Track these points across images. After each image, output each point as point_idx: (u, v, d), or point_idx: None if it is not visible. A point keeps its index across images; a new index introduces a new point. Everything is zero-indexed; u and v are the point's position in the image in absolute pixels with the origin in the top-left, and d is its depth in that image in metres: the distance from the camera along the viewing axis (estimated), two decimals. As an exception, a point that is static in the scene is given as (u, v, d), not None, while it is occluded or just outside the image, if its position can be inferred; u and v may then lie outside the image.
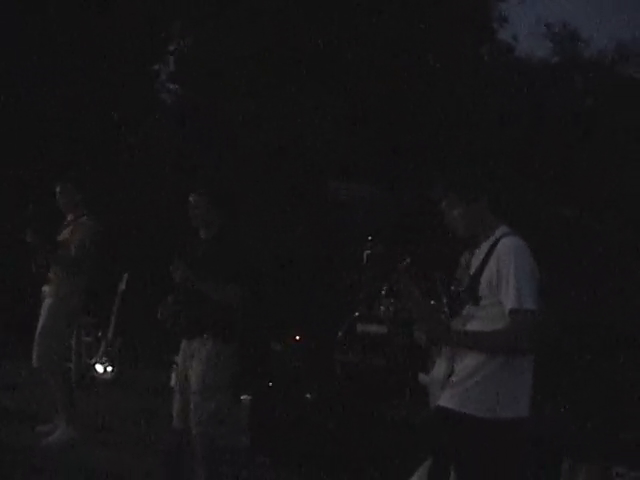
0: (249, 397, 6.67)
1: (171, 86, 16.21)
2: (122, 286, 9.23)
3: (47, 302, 6.95)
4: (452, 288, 4.16)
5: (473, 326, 3.79)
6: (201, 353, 5.35)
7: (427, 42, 15.13)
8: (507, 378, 3.70)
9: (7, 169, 11.49)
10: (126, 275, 9.28)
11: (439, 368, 3.90)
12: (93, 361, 9.16)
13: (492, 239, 3.84)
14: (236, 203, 5.64)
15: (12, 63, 11.87)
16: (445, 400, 3.78)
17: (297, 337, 7.38)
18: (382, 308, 7.10)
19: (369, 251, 7.67)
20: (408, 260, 4.05)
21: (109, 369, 9.15)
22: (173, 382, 8.71)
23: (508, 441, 3.70)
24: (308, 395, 6.53)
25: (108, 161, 12.91)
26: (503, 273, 3.68)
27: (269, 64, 13.77)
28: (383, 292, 7.12)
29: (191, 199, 5.45)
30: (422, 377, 3.96)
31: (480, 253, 3.90)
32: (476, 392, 3.68)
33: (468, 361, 3.74)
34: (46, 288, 6.99)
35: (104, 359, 9.16)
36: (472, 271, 3.90)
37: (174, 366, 8.77)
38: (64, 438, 6.75)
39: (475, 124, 14.65)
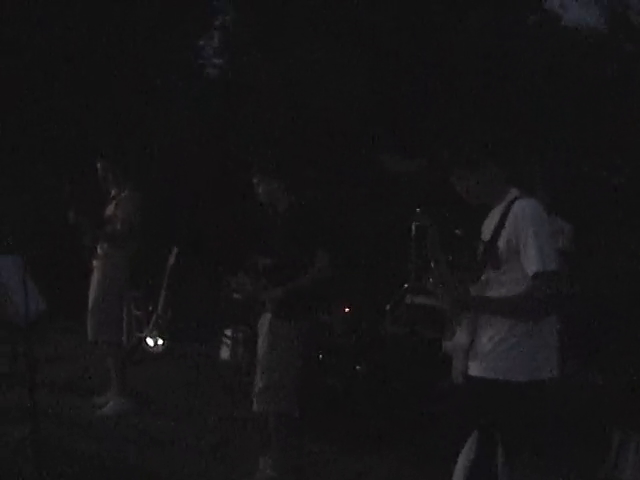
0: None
1: (216, 61, 16.21)
2: (172, 260, 9.29)
3: (95, 277, 7.07)
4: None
5: (494, 291, 3.80)
6: (264, 328, 5.41)
7: (471, 8, 14.93)
8: (536, 340, 3.72)
9: (45, 145, 11.57)
10: (176, 249, 9.33)
11: (461, 336, 3.89)
12: (144, 335, 9.25)
13: (504, 203, 3.84)
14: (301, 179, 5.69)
15: (51, 34, 11.91)
16: (478, 370, 3.80)
17: (346, 309, 7.38)
18: (431, 280, 7.06)
19: (417, 223, 7.69)
20: (435, 227, 4.04)
21: (159, 342, 9.23)
22: (223, 355, 8.85)
23: (542, 401, 3.75)
24: (358, 367, 6.53)
25: (154, 136, 12.95)
26: (522, 236, 3.67)
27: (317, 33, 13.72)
28: (432, 264, 7.08)
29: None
30: (446, 345, 3.95)
31: (493, 217, 3.90)
32: (509, 358, 3.71)
33: (495, 330, 3.76)
34: (95, 263, 7.09)
35: (154, 332, 9.24)
36: (486, 236, 3.90)
37: (224, 339, 8.88)
38: (117, 410, 6.86)
39: (521, 94, 14.48)
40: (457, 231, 6.87)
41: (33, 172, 11.00)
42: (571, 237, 7.81)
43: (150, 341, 9.23)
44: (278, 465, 5.42)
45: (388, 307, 7.57)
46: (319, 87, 13.42)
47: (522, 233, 3.68)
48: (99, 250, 7.04)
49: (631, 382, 6.02)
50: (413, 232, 7.64)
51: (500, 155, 3.92)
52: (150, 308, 9.41)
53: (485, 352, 3.77)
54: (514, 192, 3.89)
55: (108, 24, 12.28)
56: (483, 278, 3.85)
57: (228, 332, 8.84)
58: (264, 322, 5.43)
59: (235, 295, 8.22)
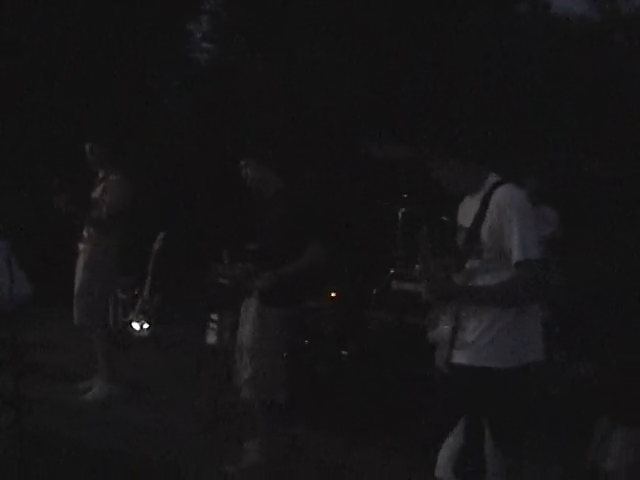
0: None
1: (205, 45, 16.12)
2: (158, 244, 9.26)
3: (82, 261, 7.03)
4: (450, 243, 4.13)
5: (478, 280, 3.77)
6: (249, 314, 5.38)
7: (471, 7, 14.91)
8: (520, 329, 3.72)
9: (32, 131, 11.50)
10: (162, 234, 9.30)
11: (444, 326, 3.87)
12: (129, 319, 9.23)
13: (484, 189, 3.78)
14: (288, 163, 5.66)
15: (39, 21, 11.83)
16: (462, 358, 3.79)
17: (332, 294, 7.38)
18: (417, 266, 7.07)
19: (404, 209, 7.70)
20: (425, 228, 3.99)
21: (145, 327, 9.21)
22: (209, 340, 8.82)
23: (527, 387, 3.78)
24: (344, 352, 6.54)
25: (143, 122, 12.90)
26: (505, 224, 3.63)
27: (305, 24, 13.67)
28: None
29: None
30: (430, 335, 3.95)
31: (473, 204, 3.83)
32: (493, 347, 3.71)
33: (479, 320, 3.74)
34: (81, 247, 7.05)
35: (140, 317, 9.21)
36: (467, 224, 3.85)
37: (210, 324, 8.86)
38: (102, 395, 6.85)
39: (509, 83, 14.48)
40: (444, 217, 6.87)
41: (31, 168, 10.93)
42: (557, 225, 7.79)
43: (136, 325, 9.21)
44: (264, 451, 5.43)
45: (374, 293, 7.57)
46: (316, 83, 13.37)
47: (505, 221, 3.63)
48: (85, 234, 7.00)
49: (622, 372, 6.03)
50: (400, 218, 7.64)
51: (496, 151, 3.89)
52: (136, 292, 9.39)
53: (469, 342, 3.76)
54: (493, 177, 3.83)
55: (100, 16, 12.18)
56: (467, 267, 3.81)
57: (214, 316, 8.82)
58: (248, 307, 5.40)
59: (222, 280, 8.21)
